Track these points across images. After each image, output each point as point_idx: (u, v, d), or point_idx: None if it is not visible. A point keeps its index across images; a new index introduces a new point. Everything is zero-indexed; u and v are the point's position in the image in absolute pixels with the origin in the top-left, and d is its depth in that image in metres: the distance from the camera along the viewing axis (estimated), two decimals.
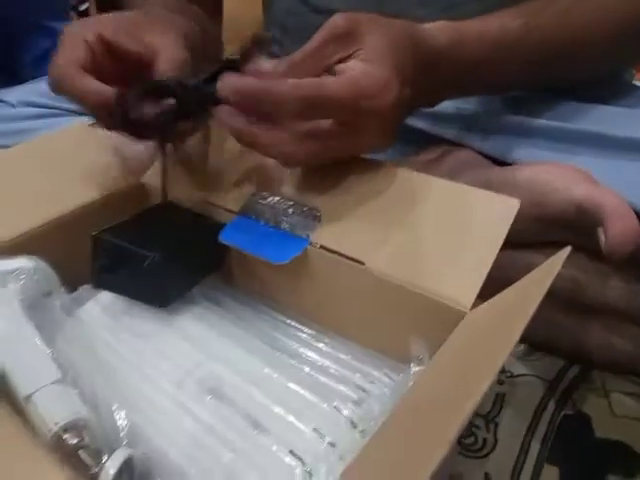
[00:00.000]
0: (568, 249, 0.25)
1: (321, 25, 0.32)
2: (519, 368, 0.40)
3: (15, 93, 0.51)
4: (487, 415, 0.36)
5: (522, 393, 0.38)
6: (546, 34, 0.40)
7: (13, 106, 0.49)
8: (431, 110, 0.44)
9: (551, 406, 0.37)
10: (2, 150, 0.39)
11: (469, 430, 0.35)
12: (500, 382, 0.39)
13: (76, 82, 0.32)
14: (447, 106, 0.45)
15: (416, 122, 0.46)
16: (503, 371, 0.39)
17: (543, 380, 0.39)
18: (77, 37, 0.34)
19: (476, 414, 0.36)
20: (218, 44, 0.55)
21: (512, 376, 0.39)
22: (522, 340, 0.26)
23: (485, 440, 0.35)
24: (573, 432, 0.35)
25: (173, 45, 0.35)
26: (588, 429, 0.36)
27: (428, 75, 0.35)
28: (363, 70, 0.30)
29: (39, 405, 0.24)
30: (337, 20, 0.32)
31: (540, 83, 0.45)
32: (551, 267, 0.24)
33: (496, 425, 0.36)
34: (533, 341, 0.39)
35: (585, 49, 0.41)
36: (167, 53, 0.34)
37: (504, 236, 0.28)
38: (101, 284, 0.33)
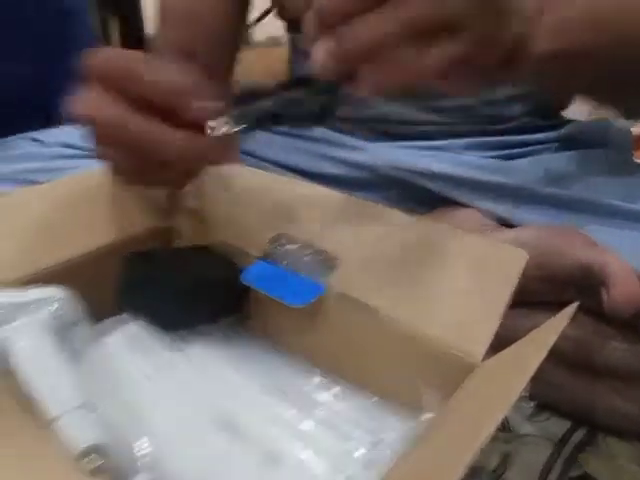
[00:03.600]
0: (575, 305, 0.26)
1: None
2: (526, 428, 0.40)
3: (49, 134, 0.54)
4: (494, 472, 0.36)
5: (528, 453, 0.38)
6: None
7: (48, 146, 0.52)
8: (442, 173, 0.47)
9: (557, 467, 0.37)
10: (38, 186, 0.41)
11: None
12: (507, 441, 0.39)
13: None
14: (457, 170, 0.47)
15: (426, 183, 0.49)
16: (510, 430, 0.40)
17: (549, 441, 0.39)
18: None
19: (483, 469, 0.36)
20: None
21: (519, 435, 0.40)
22: (532, 398, 0.27)
23: None
24: None
25: None
26: None
27: None
28: None
29: (63, 428, 0.25)
30: None
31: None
32: (558, 322, 0.25)
33: None
34: (541, 401, 0.40)
35: None
36: None
37: (514, 287, 0.29)
38: (124, 304, 0.35)
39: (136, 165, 0.29)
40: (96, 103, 0.26)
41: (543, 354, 0.23)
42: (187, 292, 0.34)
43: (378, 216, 0.36)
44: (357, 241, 0.35)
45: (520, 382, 0.22)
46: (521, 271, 0.30)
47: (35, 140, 0.54)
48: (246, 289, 0.36)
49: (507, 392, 0.22)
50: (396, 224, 0.35)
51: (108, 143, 0.28)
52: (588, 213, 0.43)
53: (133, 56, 0.27)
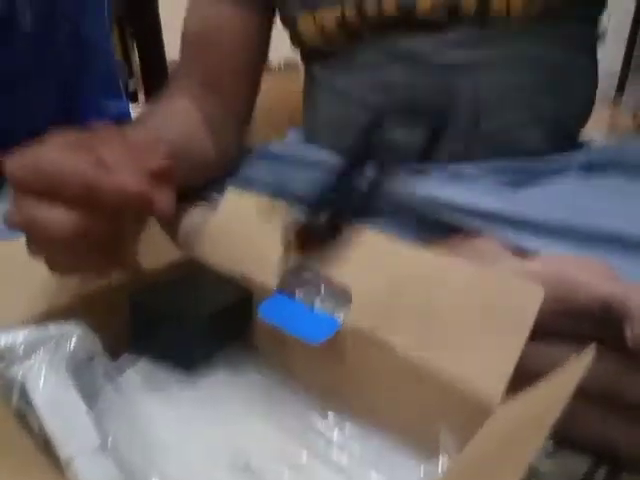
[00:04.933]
0: (593, 347, 0.25)
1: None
2: (546, 466, 0.39)
3: None
4: None
5: None
6: None
7: None
8: (457, 203, 0.46)
9: None
10: None
11: None
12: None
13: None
14: (472, 200, 0.47)
15: (441, 214, 0.48)
16: (530, 468, 0.39)
17: None
18: None
19: None
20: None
21: (538, 474, 0.38)
22: (550, 436, 0.26)
23: None
24: None
25: None
26: None
27: None
28: None
29: (78, 471, 0.25)
30: None
31: None
32: (577, 365, 0.25)
33: None
34: (561, 436, 0.39)
35: None
36: None
37: (530, 326, 0.29)
38: (136, 345, 0.35)
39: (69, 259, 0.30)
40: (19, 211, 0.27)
41: (564, 400, 0.23)
42: (201, 328, 0.34)
43: (392, 249, 0.35)
44: (370, 274, 0.35)
45: (542, 430, 0.22)
46: (537, 310, 0.29)
47: None
48: (250, 312, 0.36)
49: (531, 436, 0.22)
50: (410, 258, 0.34)
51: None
52: (611, 244, 0.42)
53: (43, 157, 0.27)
